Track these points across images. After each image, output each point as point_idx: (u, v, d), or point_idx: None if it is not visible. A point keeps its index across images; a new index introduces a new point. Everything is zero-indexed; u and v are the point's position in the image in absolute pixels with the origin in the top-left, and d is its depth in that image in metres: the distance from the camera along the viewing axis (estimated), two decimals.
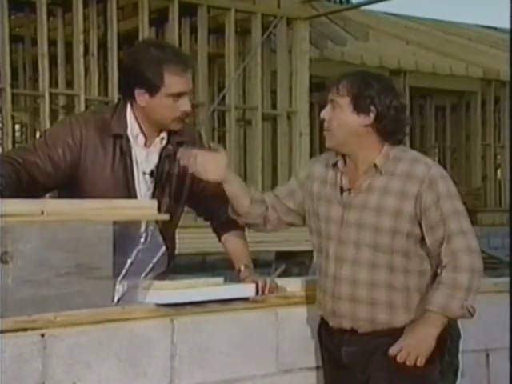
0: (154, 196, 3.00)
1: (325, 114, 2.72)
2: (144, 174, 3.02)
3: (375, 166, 2.67)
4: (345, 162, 2.74)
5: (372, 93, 2.65)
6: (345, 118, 2.67)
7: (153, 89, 2.90)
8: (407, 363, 2.59)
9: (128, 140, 2.98)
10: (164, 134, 3.03)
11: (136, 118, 2.98)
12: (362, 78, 2.69)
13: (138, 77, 2.92)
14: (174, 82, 2.90)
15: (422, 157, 2.75)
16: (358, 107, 2.66)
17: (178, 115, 2.94)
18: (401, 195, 2.63)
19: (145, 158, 3.02)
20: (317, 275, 2.84)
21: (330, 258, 2.74)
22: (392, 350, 2.61)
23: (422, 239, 2.65)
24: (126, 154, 2.97)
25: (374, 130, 2.68)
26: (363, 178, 2.69)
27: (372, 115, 2.66)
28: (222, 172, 2.77)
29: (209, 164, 2.75)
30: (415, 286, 2.68)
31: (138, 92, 2.93)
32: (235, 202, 2.86)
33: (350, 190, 2.71)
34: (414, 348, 2.59)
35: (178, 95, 2.92)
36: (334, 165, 2.77)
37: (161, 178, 3.03)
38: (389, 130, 2.68)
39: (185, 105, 2.94)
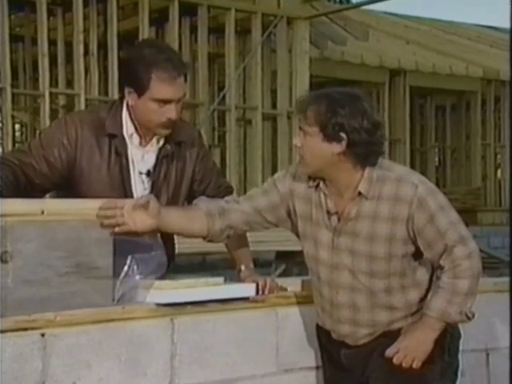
0: None
1: (297, 141, 2.61)
2: (140, 173, 3.01)
3: (360, 193, 2.57)
4: (325, 183, 2.63)
5: (340, 120, 2.49)
6: (316, 147, 2.54)
7: (140, 90, 2.87)
8: (403, 365, 2.58)
9: (123, 139, 2.96)
10: None
11: (131, 118, 2.97)
12: (327, 104, 2.51)
13: (128, 75, 2.92)
14: (159, 88, 2.85)
15: (407, 174, 2.63)
16: (328, 136, 2.51)
17: (162, 121, 2.89)
18: (391, 220, 2.55)
19: (141, 157, 3.01)
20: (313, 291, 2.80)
21: (323, 281, 2.69)
22: (389, 352, 2.61)
23: (415, 253, 2.61)
24: (121, 153, 2.96)
25: (348, 156, 2.54)
26: (350, 204, 2.59)
27: (344, 143, 2.51)
28: (151, 222, 2.60)
29: (137, 214, 2.58)
30: (414, 298, 2.65)
31: (127, 90, 2.92)
32: (189, 232, 2.75)
33: (337, 213, 2.62)
34: (411, 351, 2.58)
35: (164, 101, 2.87)
36: (316, 186, 2.66)
37: (158, 177, 3.02)
38: (363, 155, 2.54)
39: (170, 112, 2.87)
